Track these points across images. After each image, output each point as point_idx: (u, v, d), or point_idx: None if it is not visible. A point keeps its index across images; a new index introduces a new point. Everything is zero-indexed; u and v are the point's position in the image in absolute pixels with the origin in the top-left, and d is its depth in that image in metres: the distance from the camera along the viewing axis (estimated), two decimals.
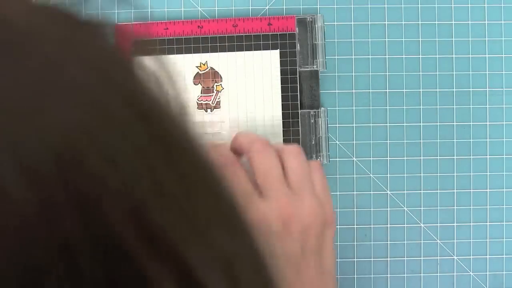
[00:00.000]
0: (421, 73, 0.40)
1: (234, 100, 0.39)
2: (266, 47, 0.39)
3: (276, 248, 0.29)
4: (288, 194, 0.30)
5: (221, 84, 0.40)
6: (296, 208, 0.29)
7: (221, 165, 0.30)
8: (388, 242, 0.40)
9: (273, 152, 0.31)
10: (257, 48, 0.39)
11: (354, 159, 0.40)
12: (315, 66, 0.39)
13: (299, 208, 0.29)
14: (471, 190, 0.40)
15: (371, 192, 0.40)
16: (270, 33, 0.39)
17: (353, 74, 0.40)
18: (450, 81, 0.40)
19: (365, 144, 0.40)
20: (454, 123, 0.40)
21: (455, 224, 0.40)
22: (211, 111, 0.40)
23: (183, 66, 0.40)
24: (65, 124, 0.15)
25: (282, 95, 0.39)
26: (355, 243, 0.40)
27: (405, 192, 0.40)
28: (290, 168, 0.31)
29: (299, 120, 0.39)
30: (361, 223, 0.40)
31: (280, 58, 0.39)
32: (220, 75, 0.40)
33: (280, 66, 0.39)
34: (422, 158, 0.40)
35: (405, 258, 0.40)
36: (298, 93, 0.39)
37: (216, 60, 0.39)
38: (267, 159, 0.31)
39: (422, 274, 0.40)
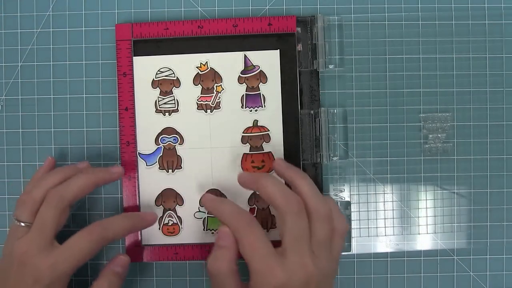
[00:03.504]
0: (421, 73, 0.40)
1: (234, 100, 0.39)
2: (266, 47, 0.39)
3: None
4: (311, 256, 0.33)
5: (221, 85, 0.40)
6: (316, 268, 0.33)
7: (239, 226, 0.33)
8: (389, 242, 0.40)
9: (305, 215, 0.34)
10: (257, 48, 0.39)
11: (354, 159, 0.40)
12: (315, 66, 0.39)
13: (318, 268, 0.33)
14: (472, 190, 0.40)
15: (371, 193, 0.40)
16: (270, 33, 0.39)
17: (354, 74, 0.40)
18: (451, 80, 0.40)
19: (365, 144, 0.40)
20: (455, 123, 0.40)
21: (454, 224, 0.40)
22: (211, 111, 0.40)
23: (183, 66, 0.40)
24: None
25: (282, 95, 0.39)
26: (355, 243, 0.40)
27: (405, 192, 0.40)
28: (316, 233, 0.34)
29: (299, 120, 0.39)
30: (362, 223, 0.40)
31: (280, 58, 0.39)
32: (220, 76, 0.40)
33: (280, 66, 0.39)
34: (422, 158, 0.40)
35: (405, 258, 0.40)
36: (298, 93, 0.39)
37: (216, 60, 0.39)
38: (300, 223, 0.33)
39: (422, 274, 0.40)
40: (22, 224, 0.35)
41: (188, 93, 0.40)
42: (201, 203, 0.39)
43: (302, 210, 0.33)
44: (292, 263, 0.32)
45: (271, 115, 0.39)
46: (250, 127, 0.39)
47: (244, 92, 0.39)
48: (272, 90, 0.39)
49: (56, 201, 0.35)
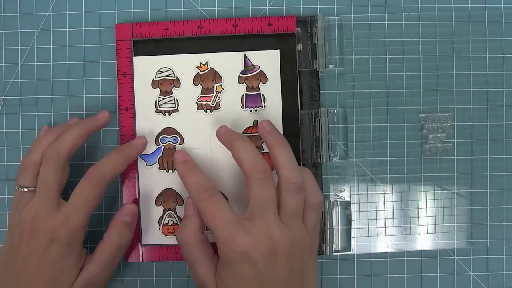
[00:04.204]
0: (421, 73, 0.40)
1: (234, 100, 0.39)
2: (266, 47, 0.39)
3: (265, 272, 0.31)
4: (278, 224, 0.32)
5: (221, 85, 0.40)
6: (284, 237, 0.32)
7: (200, 198, 0.33)
8: (389, 242, 0.40)
9: (272, 184, 0.33)
10: (257, 48, 0.39)
11: (354, 159, 0.40)
12: (315, 66, 0.39)
13: (287, 238, 0.32)
14: (472, 190, 0.40)
15: (371, 193, 0.40)
16: (270, 33, 0.39)
17: (354, 74, 0.40)
18: (451, 80, 0.40)
19: (365, 144, 0.40)
20: (455, 123, 0.40)
21: (454, 224, 0.40)
22: (211, 111, 0.40)
23: (183, 66, 0.40)
24: None
25: (282, 95, 0.39)
26: (355, 243, 0.40)
27: (405, 192, 0.40)
28: (285, 202, 0.33)
29: (299, 120, 0.39)
30: (362, 223, 0.40)
31: (280, 58, 0.39)
32: (220, 76, 0.40)
33: (280, 66, 0.39)
34: (422, 158, 0.40)
35: (405, 258, 0.40)
36: (298, 93, 0.39)
37: (216, 60, 0.39)
38: (266, 189, 0.33)
39: (422, 274, 0.40)
40: (26, 189, 0.35)
41: (188, 93, 0.40)
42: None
43: (268, 179, 0.33)
44: (256, 229, 0.32)
45: (271, 115, 0.39)
46: (250, 127, 0.39)
47: (244, 92, 0.39)
48: (272, 90, 0.39)
49: (54, 160, 0.35)
